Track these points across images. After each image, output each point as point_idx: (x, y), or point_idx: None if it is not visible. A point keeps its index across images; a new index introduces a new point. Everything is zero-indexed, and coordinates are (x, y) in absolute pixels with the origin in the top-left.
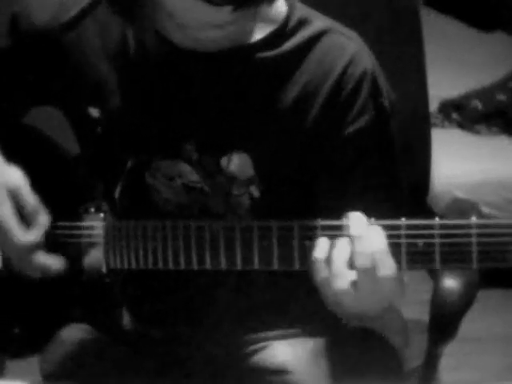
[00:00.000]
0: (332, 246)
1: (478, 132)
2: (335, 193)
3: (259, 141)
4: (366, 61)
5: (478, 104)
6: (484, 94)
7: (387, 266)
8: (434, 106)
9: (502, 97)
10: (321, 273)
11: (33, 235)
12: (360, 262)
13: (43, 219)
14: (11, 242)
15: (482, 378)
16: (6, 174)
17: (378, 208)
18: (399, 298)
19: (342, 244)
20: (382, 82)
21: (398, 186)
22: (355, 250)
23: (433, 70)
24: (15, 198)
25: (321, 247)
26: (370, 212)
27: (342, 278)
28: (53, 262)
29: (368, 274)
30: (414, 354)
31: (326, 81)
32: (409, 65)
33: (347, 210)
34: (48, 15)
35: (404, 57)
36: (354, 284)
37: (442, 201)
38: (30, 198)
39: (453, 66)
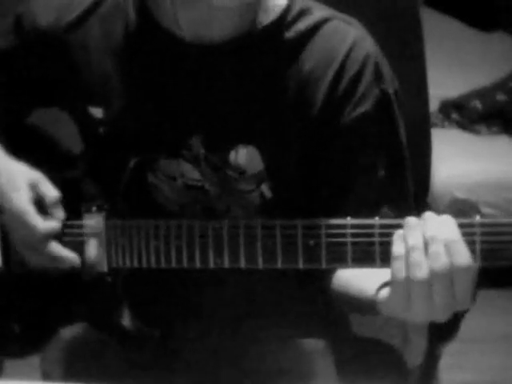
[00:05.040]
0: (405, 240)
1: (478, 132)
2: (341, 181)
3: (266, 132)
4: (369, 45)
5: (477, 104)
6: (484, 94)
7: (462, 255)
8: (434, 106)
9: (502, 97)
10: (400, 269)
11: (51, 224)
12: (434, 248)
13: (61, 211)
14: (29, 230)
15: (482, 378)
16: (26, 168)
17: (384, 197)
18: (470, 302)
19: (416, 235)
20: (385, 67)
21: (404, 174)
22: (428, 237)
23: (433, 70)
24: (35, 188)
25: (399, 242)
26: (376, 202)
27: (421, 267)
28: (69, 255)
29: (443, 262)
30: (414, 354)
31: (329, 67)
32: (409, 65)
33: (354, 205)
34: (52, 15)
35: (404, 57)
36: (432, 274)
37: (441, 201)
38: (50, 189)
39: (453, 66)
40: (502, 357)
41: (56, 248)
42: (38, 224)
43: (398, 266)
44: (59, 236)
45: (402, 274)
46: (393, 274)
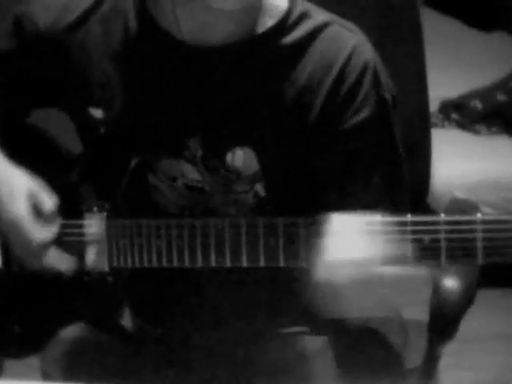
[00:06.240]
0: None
1: (478, 132)
2: (338, 188)
3: (263, 135)
4: (368, 52)
5: (477, 104)
6: (484, 94)
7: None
8: (434, 106)
9: (501, 97)
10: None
11: (47, 234)
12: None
13: (57, 221)
14: (25, 239)
15: (482, 378)
16: (24, 176)
17: (380, 202)
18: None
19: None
20: (383, 73)
21: (401, 180)
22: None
23: (433, 70)
24: (33, 197)
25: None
26: (373, 206)
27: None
28: (63, 264)
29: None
30: (413, 354)
31: (328, 73)
32: (409, 65)
33: (350, 206)
34: (51, 16)
35: (404, 57)
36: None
37: (441, 201)
38: (48, 199)
39: (453, 66)
40: (502, 356)
41: (51, 258)
42: (34, 234)
43: None
44: (57, 242)
45: None
46: None
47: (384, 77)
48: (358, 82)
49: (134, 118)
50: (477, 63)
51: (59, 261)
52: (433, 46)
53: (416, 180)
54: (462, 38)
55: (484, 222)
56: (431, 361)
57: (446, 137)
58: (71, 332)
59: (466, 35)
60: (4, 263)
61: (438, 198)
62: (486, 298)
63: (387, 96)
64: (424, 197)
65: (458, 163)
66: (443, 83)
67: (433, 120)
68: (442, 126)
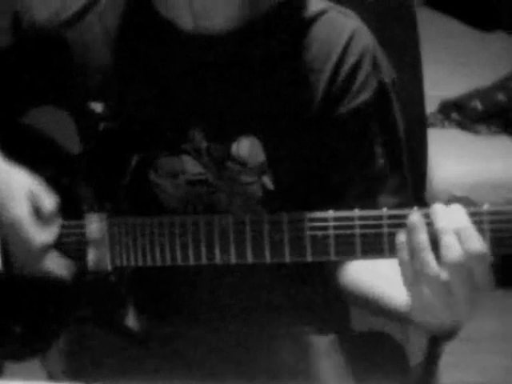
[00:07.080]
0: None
1: (478, 132)
2: (341, 172)
3: (267, 123)
4: (366, 37)
5: (478, 104)
6: (484, 94)
7: (475, 241)
8: (434, 106)
9: (501, 97)
10: (410, 277)
11: (48, 235)
12: (445, 239)
13: (57, 222)
14: (25, 241)
15: (482, 378)
16: (24, 176)
17: (384, 185)
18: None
19: (419, 237)
20: (382, 58)
21: (402, 162)
22: (438, 229)
23: (433, 70)
24: (33, 198)
25: (402, 250)
26: (377, 190)
27: (429, 266)
28: (63, 266)
29: (456, 251)
30: (414, 354)
31: (328, 59)
32: (405, 64)
33: (355, 193)
34: (50, 12)
35: (401, 57)
36: (447, 267)
37: (441, 201)
38: (48, 199)
39: (453, 66)
40: (502, 356)
41: (51, 262)
42: (34, 237)
43: (406, 275)
44: (58, 243)
45: (412, 280)
46: (404, 283)
47: (383, 60)
48: (357, 66)
49: (135, 110)
50: (477, 63)
51: (58, 265)
52: (433, 46)
53: (413, 180)
54: (462, 38)
55: (491, 213)
56: (431, 360)
57: (446, 137)
58: (75, 331)
59: (466, 35)
60: (4, 264)
61: (438, 198)
62: (487, 299)
63: (387, 80)
64: (421, 193)
65: (458, 163)
66: (443, 83)
67: (433, 120)
68: (442, 126)
